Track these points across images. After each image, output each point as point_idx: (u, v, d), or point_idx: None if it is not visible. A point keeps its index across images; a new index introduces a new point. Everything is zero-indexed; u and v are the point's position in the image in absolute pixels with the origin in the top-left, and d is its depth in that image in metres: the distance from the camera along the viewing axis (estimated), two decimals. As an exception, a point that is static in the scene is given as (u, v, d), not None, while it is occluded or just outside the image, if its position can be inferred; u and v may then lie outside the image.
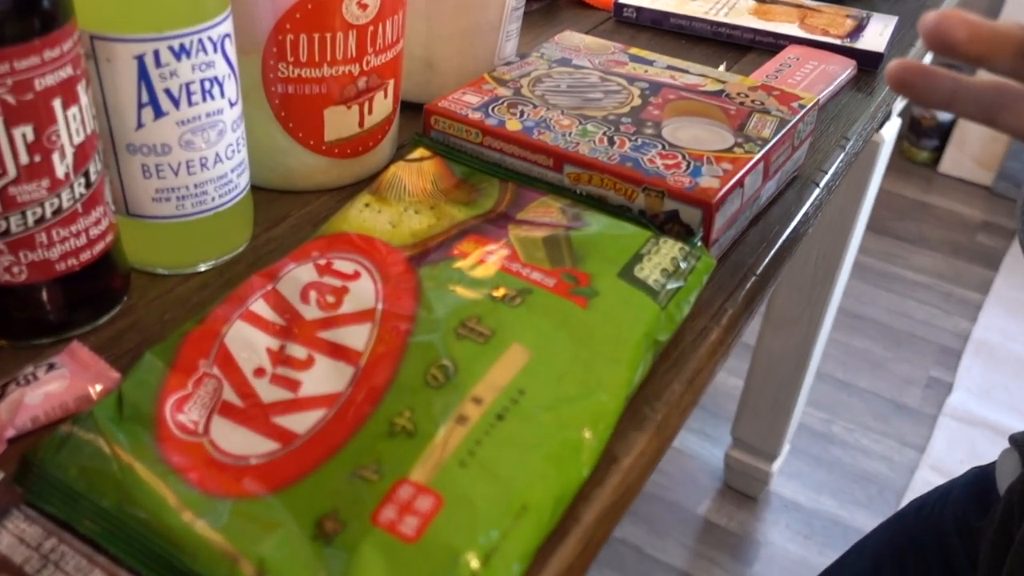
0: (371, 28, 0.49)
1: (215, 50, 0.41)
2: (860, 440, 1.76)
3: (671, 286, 0.41)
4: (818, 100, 0.56)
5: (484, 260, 0.41)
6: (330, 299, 0.40)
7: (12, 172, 0.36)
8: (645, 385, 0.41)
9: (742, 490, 1.62)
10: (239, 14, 0.46)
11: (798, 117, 0.53)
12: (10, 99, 0.35)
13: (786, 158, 0.53)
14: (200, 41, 0.40)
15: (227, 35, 0.42)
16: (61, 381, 0.38)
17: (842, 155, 0.61)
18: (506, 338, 0.37)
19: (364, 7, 0.47)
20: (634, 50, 0.61)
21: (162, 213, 0.44)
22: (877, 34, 0.75)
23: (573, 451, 0.34)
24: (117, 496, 0.33)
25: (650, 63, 0.59)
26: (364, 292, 0.40)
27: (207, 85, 0.41)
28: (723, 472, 1.63)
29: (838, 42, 0.73)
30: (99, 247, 0.41)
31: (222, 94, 0.42)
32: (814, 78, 0.68)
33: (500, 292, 0.39)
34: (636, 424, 0.39)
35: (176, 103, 0.41)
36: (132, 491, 0.33)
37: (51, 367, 0.39)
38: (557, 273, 0.41)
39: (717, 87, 0.56)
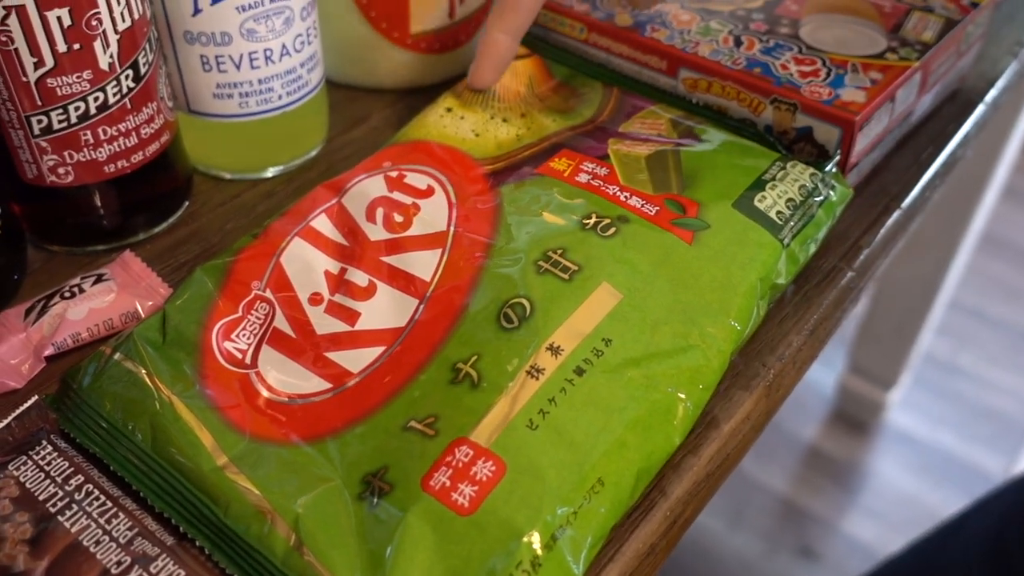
0: (464, -99, 0.42)
1: (279, -76, 0.36)
2: (988, 373, 1.64)
3: (798, 220, 0.35)
4: (994, -3, 0.46)
5: (576, 179, 0.36)
6: (398, 218, 0.35)
7: (49, 61, 0.32)
8: (757, 335, 0.35)
9: (854, 417, 1.54)
10: None
11: (968, 17, 0.44)
12: (42, -22, 0.31)
13: (949, 67, 0.45)
14: (261, -87, 0.35)
15: (294, -94, 0.36)
16: (108, 295, 0.35)
17: (1014, 65, 0.52)
18: (594, 275, 0.32)
19: None
20: (772, -67, 0.52)
21: (225, 111, 0.40)
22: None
23: (663, 416, 0.29)
24: (152, 433, 0.29)
25: (791, -51, 0.50)
26: (436, 212, 0.35)
27: (270, -35, 0.36)
28: (835, 397, 1.55)
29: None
30: (153, 148, 0.37)
31: (289, -24, 0.37)
32: (987, -30, 0.57)
33: (592, 219, 0.34)
34: (743, 382, 0.34)
35: (236, -14, 0.36)
36: (169, 429, 0.29)
37: (99, 279, 0.36)
38: (660, 199, 0.35)
39: (870, -21, 0.47)
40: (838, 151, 0.38)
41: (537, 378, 0.29)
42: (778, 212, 0.35)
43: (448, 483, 0.27)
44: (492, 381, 0.29)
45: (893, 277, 1.38)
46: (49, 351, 0.33)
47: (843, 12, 0.44)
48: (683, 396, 0.30)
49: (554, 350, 0.30)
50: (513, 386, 0.29)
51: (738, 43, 0.42)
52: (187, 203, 0.41)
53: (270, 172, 0.42)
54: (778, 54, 0.41)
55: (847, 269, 0.38)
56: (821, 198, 0.36)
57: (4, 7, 0.31)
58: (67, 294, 0.35)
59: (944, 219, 1.26)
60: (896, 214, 0.41)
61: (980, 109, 0.48)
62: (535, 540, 0.26)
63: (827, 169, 0.37)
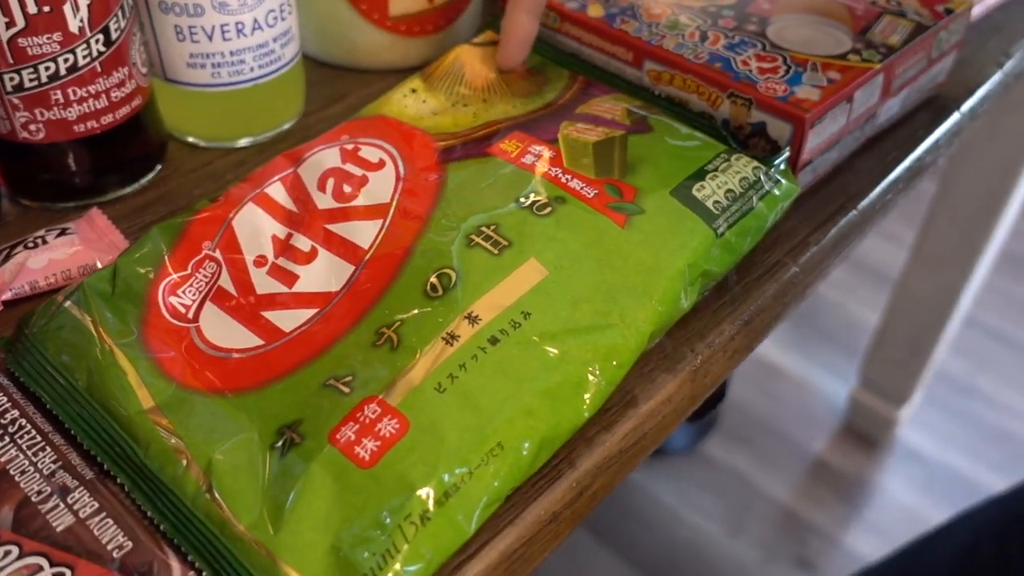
0: None
1: (252, -99, 0.37)
2: (1004, 396, 1.62)
3: (735, 211, 0.36)
4: (971, 5, 0.47)
5: (521, 160, 0.37)
6: (347, 189, 0.36)
7: (20, 22, 0.34)
8: (690, 320, 0.36)
9: (863, 432, 1.52)
10: None
11: (939, 24, 0.44)
12: (12, -60, 0.32)
13: (918, 72, 0.45)
14: None
15: None
16: (69, 248, 0.37)
17: (998, 75, 0.52)
18: (523, 252, 0.33)
19: None
20: (761, -66, 0.53)
21: (197, 80, 0.41)
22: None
23: (573, 389, 0.30)
24: (88, 377, 0.31)
25: (776, -50, 0.51)
26: (383, 184, 0.36)
27: (242, -59, 0.38)
28: (845, 411, 1.54)
29: (1024, -60, 0.62)
30: (123, 111, 0.39)
31: (261, -48, 0.39)
32: (983, -19, 0.57)
33: (531, 199, 0.35)
34: (668, 365, 0.34)
35: (208, -41, 0.38)
36: (104, 374, 0.31)
37: (63, 232, 0.37)
38: (601, 183, 0.35)
39: (849, -18, 0.48)
40: (788, 147, 0.39)
41: (452, 344, 0.30)
42: (715, 202, 0.35)
43: (353, 437, 0.28)
44: (409, 345, 0.30)
45: (909, 291, 1.37)
46: (7, 296, 0.35)
47: (813, 13, 0.45)
48: (596, 372, 0.31)
49: (472, 319, 0.31)
50: (428, 350, 0.30)
51: (703, 38, 0.43)
52: (159, 167, 0.43)
53: (242, 142, 0.44)
54: (741, 50, 0.42)
55: (792, 264, 0.39)
56: (763, 191, 0.37)
57: (-23, -33, 0.32)
58: (30, 244, 0.36)
59: (962, 235, 1.24)
60: (851, 214, 0.42)
61: (955, 117, 0.48)
62: (427, 495, 0.27)
63: (776, 164, 0.38)
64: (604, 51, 0.44)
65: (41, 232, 0.37)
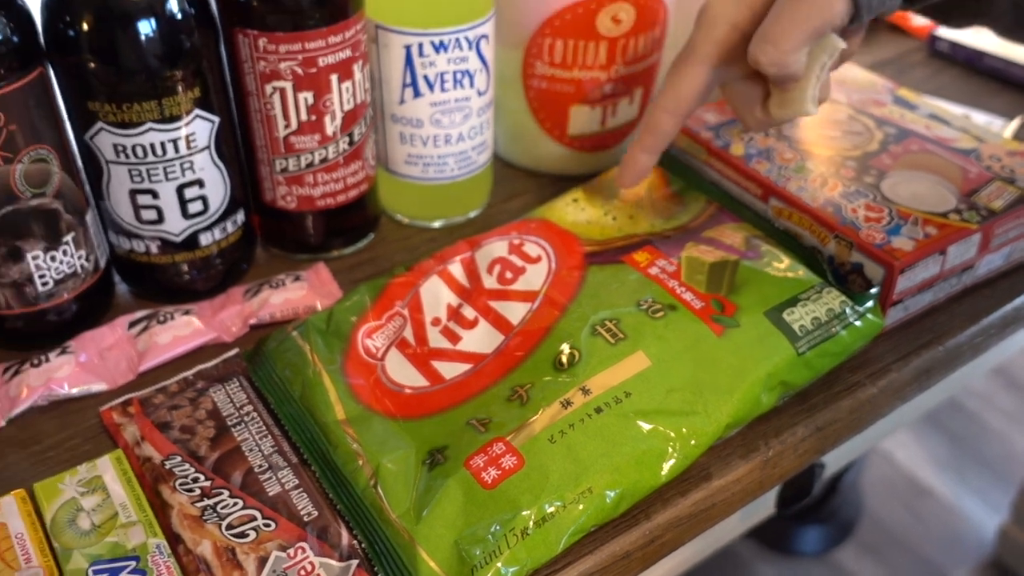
0: (622, 41, 0.54)
1: (470, 47, 0.49)
2: None
3: (818, 335, 0.43)
4: (1086, 179, 0.52)
5: (648, 270, 0.46)
6: (508, 275, 0.47)
7: (294, 125, 0.47)
8: (769, 418, 0.43)
9: (1009, 569, 1.47)
10: (508, 16, 0.53)
11: (1046, 194, 0.50)
12: (299, 71, 0.45)
13: (1021, 234, 0.50)
14: (457, 40, 0.48)
15: (484, 36, 0.49)
16: (299, 291, 0.49)
17: (1118, 241, 0.56)
18: (635, 345, 0.42)
19: (617, 22, 0.53)
20: (903, 91, 0.60)
21: (410, 174, 0.53)
22: None
23: (655, 458, 0.39)
24: (302, 390, 0.43)
25: (912, 107, 0.58)
26: (537, 275, 0.46)
27: (458, 76, 0.49)
28: (992, 543, 1.49)
29: None
30: (353, 193, 0.51)
31: (471, 84, 0.50)
32: (1123, 150, 0.62)
33: (649, 303, 0.44)
34: (743, 452, 0.42)
35: (431, 87, 0.49)
36: (313, 391, 0.42)
37: (297, 278, 0.50)
38: (708, 298, 0.44)
39: (971, 145, 0.54)
40: (879, 287, 0.46)
41: (566, 408, 0.39)
42: (801, 326, 0.43)
43: (482, 465, 0.38)
44: (535, 404, 0.40)
45: (1071, 431, 1.33)
46: (253, 321, 0.48)
47: (929, 171, 0.51)
48: (676, 447, 0.39)
49: (585, 391, 0.40)
50: (548, 409, 0.39)
51: (823, 184, 0.50)
52: (372, 235, 0.55)
53: (436, 224, 0.55)
54: (853, 199, 0.49)
55: (870, 386, 0.46)
56: (847, 322, 0.44)
57: (272, 87, 0.45)
58: (273, 284, 0.49)
59: None
60: (936, 350, 0.48)
61: (1057, 277, 0.53)
62: (530, 516, 0.36)
63: (864, 301, 0.45)
64: (739, 184, 0.52)
65: (281, 276, 0.50)
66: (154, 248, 0.47)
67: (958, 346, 0.49)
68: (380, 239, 0.55)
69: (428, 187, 0.54)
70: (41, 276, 0.44)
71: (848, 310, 0.44)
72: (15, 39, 0.39)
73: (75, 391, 0.43)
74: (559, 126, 0.57)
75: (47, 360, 0.44)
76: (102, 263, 0.47)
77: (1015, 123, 0.66)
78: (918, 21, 0.79)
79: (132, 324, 0.47)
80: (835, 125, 0.56)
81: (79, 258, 0.45)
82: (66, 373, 0.44)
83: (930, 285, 0.48)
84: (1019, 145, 0.54)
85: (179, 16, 0.41)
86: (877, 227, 0.47)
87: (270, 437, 0.41)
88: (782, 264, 0.46)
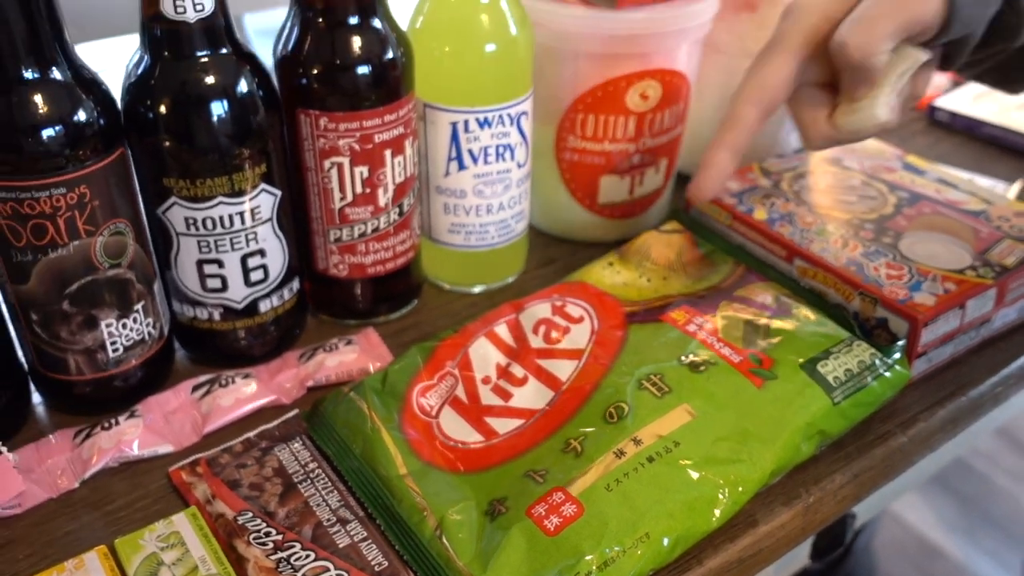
0: (649, 116, 0.57)
1: (511, 123, 0.52)
2: None
3: (851, 386, 0.45)
4: (1090, 236, 0.55)
5: (688, 329, 0.48)
6: (554, 335, 0.49)
7: (350, 197, 0.50)
8: (808, 466, 0.45)
9: (1025, 628, 1.47)
10: (544, 93, 0.57)
11: (1055, 251, 0.53)
12: (356, 147, 0.48)
13: (1034, 288, 0.53)
14: (500, 116, 0.52)
15: (524, 113, 0.53)
16: (352, 354, 0.51)
17: (1123, 295, 0.59)
18: (680, 397, 0.44)
19: (645, 98, 0.56)
20: (911, 158, 0.63)
21: (453, 242, 0.56)
22: None
23: (706, 504, 0.41)
24: (364, 447, 0.45)
25: (921, 173, 0.61)
26: (581, 334, 0.49)
27: (500, 150, 0.53)
28: (1007, 603, 1.49)
29: None
30: (401, 260, 0.54)
31: (512, 157, 0.54)
32: (1120, 209, 0.65)
33: (690, 358, 0.46)
34: (786, 500, 0.44)
35: (475, 160, 0.53)
36: (374, 447, 0.44)
37: (349, 342, 0.52)
38: (746, 352, 0.46)
39: (980, 207, 0.57)
40: (905, 340, 0.48)
41: (620, 458, 0.41)
42: (835, 377, 0.45)
43: (544, 513, 0.40)
44: (589, 455, 0.42)
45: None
46: (310, 383, 0.50)
47: (942, 231, 0.55)
48: (725, 493, 0.41)
49: (636, 442, 0.42)
50: (602, 460, 0.41)
51: (845, 245, 0.53)
52: (416, 302, 0.57)
53: (476, 289, 0.58)
54: (874, 258, 0.52)
55: (901, 435, 0.48)
56: (877, 373, 0.46)
57: (330, 163, 0.49)
58: (328, 348, 0.51)
59: None
60: (960, 400, 0.50)
61: (1070, 328, 0.56)
62: (592, 562, 0.38)
63: (892, 353, 0.47)
64: (763, 247, 0.56)
65: (335, 340, 0.52)
66: (216, 315, 0.49)
67: (980, 396, 0.51)
68: (423, 305, 0.58)
69: (469, 254, 0.56)
70: (113, 343, 0.46)
71: (878, 362, 0.47)
72: (102, 122, 0.42)
73: (144, 452, 0.46)
74: (590, 195, 0.61)
75: (117, 423, 0.46)
76: (166, 330, 0.50)
77: (1017, 186, 0.70)
78: (917, 92, 0.84)
79: (195, 388, 0.49)
80: (850, 191, 0.59)
81: (147, 325, 0.47)
82: (135, 435, 0.46)
83: (951, 338, 0.51)
84: (1022, 206, 0.58)
85: (249, 99, 0.45)
86: (899, 284, 0.50)
87: (336, 492, 0.43)
88: (812, 319, 0.49)
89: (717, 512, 0.41)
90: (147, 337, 0.48)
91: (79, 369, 0.46)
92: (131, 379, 0.48)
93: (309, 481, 0.43)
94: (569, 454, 0.42)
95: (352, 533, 0.41)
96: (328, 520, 0.41)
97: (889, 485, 0.50)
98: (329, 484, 0.43)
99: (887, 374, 0.47)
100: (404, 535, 0.41)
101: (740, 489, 0.42)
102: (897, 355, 0.48)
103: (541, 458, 0.43)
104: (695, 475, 0.41)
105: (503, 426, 0.45)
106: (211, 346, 0.51)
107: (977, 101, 0.81)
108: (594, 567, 0.38)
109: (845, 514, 0.52)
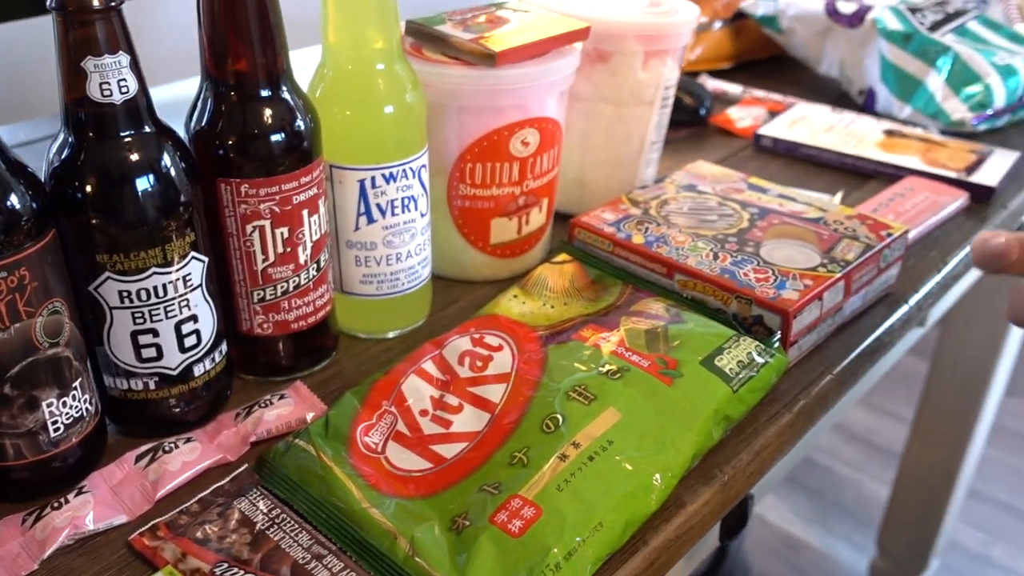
0: (531, 160, 0.63)
1: (414, 176, 0.57)
2: (1020, 566, 1.70)
3: (744, 375, 0.52)
4: (907, 230, 0.65)
5: (598, 344, 0.54)
6: (479, 364, 0.54)
7: (272, 257, 0.53)
8: (718, 451, 0.52)
9: (886, 601, 1.60)
10: (434, 148, 0.61)
11: (883, 244, 0.63)
12: (276, 209, 0.51)
13: (871, 278, 0.63)
14: (403, 171, 0.56)
15: (423, 166, 0.57)
16: (288, 407, 0.53)
17: (937, 277, 0.70)
18: (605, 403, 0.49)
19: (526, 144, 0.62)
20: (753, 179, 0.72)
21: (366, 292, 0.60)
22: (995, 168, 0.83)
23: (644, 490, 0.46)
24: (320, 487, 0.47)
25: (764, 191, 0.70)
26: (504, 360, 0.53)
27: (406, 201, 0.57)
28: (867, 580, 1.63)
29: (954, 175, 0.82)
30: (321, 314, 0.57)
31: (415, 207, 0.58)
32: (923, 208, 0.77)
33: (606, 368, 0.52)
34: (705, 480, 0.50)
35: (383, 213, 0.57)
36: (331, 485, 0.47)
37: (282, 396, 0.54)
38: (652, 357, 0.52)
39: (817, 215, 0.66)
40: (779, 332, 0.56)
41: (564, 461, 0.46)
42: (730, 368, 0.52)
43: (506, 519, 0.44)
44: (535, 463, 0.46)
45: (913, 464, 1.50)
46: (253, 438, 0.52)
47: (793, 238, 0.63)
48: (658, 480, 0.46)
49: (576, 445, 0.47)
50: (549, 465, 0.46)
51: (716, 257, 0.61)
52: (335, 352, 0.60)
53: (391, 334, 0.62)
54: (742, 265, 0.60)
55: (788, 413, 0.55)
56: (762, 362, 0.53)
57: (252, 226, 0.51)
58: (263, 404, 0.53)
59: (952, 410, 1.39)
60: (827, 379, 0.58)
61: (903, 308, 0.66)
62: (559, 553, 0.42)
63: (771, 344, 0.55)
64: (645, 267, 0.62)
65: (268, 396, 0.54)
66: (152, 384, 0.50)
67: (843, 373, 0.60)
68: (342, 355, 0.60)
69: (382, 302, 0.60)
70: (54, 423, 0.47)
71: (761, 352, 0.54)
72: (34, 205, 0.43)
73: (100, 526, 0.46)
74: (483, 238, 0.66)
75: (67, 501, 0.46)
76: (99, 406, 0.50)
77: (839, 195, 0.81)
78: (743, 123, 0.95)
79: (139, 458, 0.50)
80: (710, 211, 0.67)
81: (84, 402, 0.48)
82: (87, 510, 0.46)
83: (814, 327, 0.59)
84: (851, 210, 0.68)
85: (175, 173, 0.47)
86: (767, 285, 0.58)
87: (304, 532, 0.45)
88: (701, 323, 0.56)
89: (653, 497, 0.46)
90: (85, 413, 0.48)
91: (18, 453, 0.46)
92: (70, 458, 0.48)
93: (276, 526, 0.45)
94: (516, 466, 0.47)
95: (330, 566, 0.43)
96: (303, 559, 0.43)
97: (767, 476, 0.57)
98: (296, 526, 0.45)
99: (770, 361, 0.54)
100: (378, 561, 0.44)
101: (670, 475, 0.47)
102: (776, 344, 0.55)
103: (491, 473, 0.47)
104: (630, 467, 0.46)
105: (449, 451, 0.49)
106: (145, 416, 0.52)
107: (792, 127, 0.92)
108: (561, 558, 0.42)
109: (746, 495, 0.58)
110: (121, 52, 0.44)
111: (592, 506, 0.44)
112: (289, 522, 0.46)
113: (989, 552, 1.73)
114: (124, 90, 0.45)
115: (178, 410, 0.52)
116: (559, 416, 0.49)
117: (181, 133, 0.50)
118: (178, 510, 0.47)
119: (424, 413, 0.51)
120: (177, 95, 0.51)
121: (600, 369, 0.52)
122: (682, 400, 0.50)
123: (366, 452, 0.49)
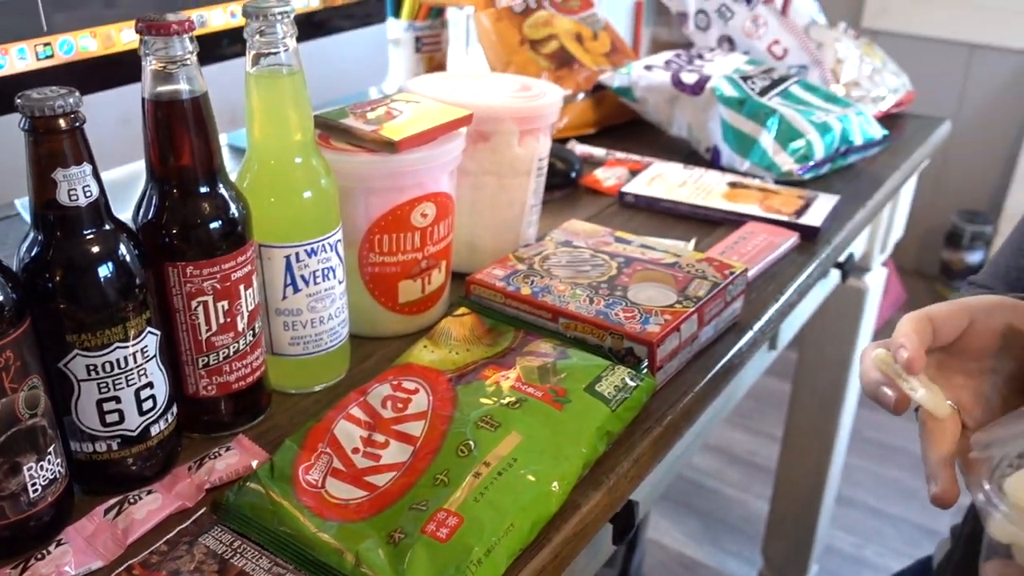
0: (430, 229, 0.74)
1: (331, 250, 0.66)
2: (892, 565, 1.87)
3: (620, 397, 0.63)
4: (747, 268, 0.78)
5: (498, 381, 0.64)
6: (400, 405, 0.63)
7: (214, 327, 0.61)
8: (603, 461, 0.62)
9: (775, 605, 1.74)
10: (346, 224, 0.71)
11: (727, 281, 0.75)
12: (217, 285, 0.60)
13: (720, 310, 0.75)
14: (322, 245, 0.65)
15: (339, 240, 0.67)
16: (235, 457, 0.61)
17: (776, 305, 0.83)
18: (508, 428, 0.59)
19: (425, 216, 0.73)
20: (619, 233, 0.85)
21: (293, 352, 0.68)
22: (819, 211, 0.98)
23: (545, 497, 0.56)
24: (273, 520, 0.55)
25: (629, 243, 0.83)
26: (421, 400, 0.63)
27: (325, 271, 0.66)
28: (756, 590, 1.76)
29: (786, 218, 0.97)
30: (257, 375, 0.65)
31: (334, 276, 0.67)
32: (761, 248, 0.91)
33: (507, 400, 0.62)
34: (594, 485, 0.61)
35: (307, 283, 0.66)
36: (282, 517, 0.55)
37: (228, 448, 0.62)
38: (545, 388, 0.63)
39: (673, 260, 0.79)
40: (646, 360, 0.68)
41: (478, 478, 0.56)
42: (608, 392, 0.63)
43: (435, 529, 0.53)
44: (455, 482, 0.56)
45: (785, 476, 1.65)
46: (207, 486, 0.59)
47: (654, 281, 0.75)
48: (556, 488, 0.57)
49: (487, 464, 0.57)
50: (467, 482, 0.56)
51: (591, 301, 0.72)
52: (269, 408, 0.68)
53: (317, 388, 0.70)
54: (614, 307, 0.71)
55: (657, 427, 0.67)
56: (634, 385, 0.65)
57: (197, 302, 0.60)
58: (212, 456, 0.61)
59: (814, 424, 1.55)
60: (689, 396, 0.70)
61: (749, 334, 0.79)
62: (479, 552, 0.52)
63: (640, 371, 0.66)
64: (533, 314, 0.73)
65: (216, 449, 0.62)
66: (115, 445, 0.58)
67: (702, 391, 0.72)
68: (276, 409, 0.69)
69: (308, 360, 0.69)
70: (33, 484, 0.53)
71: (633, 377, 0.65)
72: (14, 297, 0.51)
73: (80, 571, 0.53)
74: (392, 299, 0.75)
75: (49, 553, 0.53)
76: (68, 469, 0.57)
77: (692, 242, 0.94)
78: (609, 183, 1.08)
79: (107, 511, 0.57)
80: (584, 263, 0.79)
81: (57, 465, 0.55)
82: (68, 558, 0.53)
83: (675, 355, 0.71)
84: (701, 255, 0.81)
85: (132, 261, 0.55)
86: (634, 321, 0.70)
87: (264, 557, 0.53)
88: (582, 357, 0.67)
89: (553, 501, 0.56)
90: (58, 475, 0.55)
91: (2, 514, 0.53)
92: (45, 516, 0.55)
93: (239, 555, 0.53)
94: (439, 486, 0.56)
95: (289, 582, 0.51)
96: (266, 579, 0.52)
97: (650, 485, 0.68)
98: (257, 553, 0.53)
99: (641, 384, 0.65)
100: (331, 575, 0.52)
101: (566, 482, 0.58)
102: (644, 370, 0.67)
103: (419, 494, 0.56)
104: (533, 479, 0.57)
105: (381, 480, 0.58)
106: (108, 475, 0.59)
107: (651, 184, 1.06)
108: (482, 555, 0.52)
109: (631, 500, 0.69)
110: (85, 162, 0.53)
111: (504, 512, 0.54)
112: (250, 550, 0.54)
113: (862, 553, 1.90)
114: (88, 194, 0.53)
115: (135, 467, 0.59)
116: (471, 442, 0.58)
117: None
118: (149, 551, 0.54)
119: (356, 451, 0.60)
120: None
121: (502, 401, 0.62)
122: (571, 421, 0.61)
123: (308, 488, 0.58)
